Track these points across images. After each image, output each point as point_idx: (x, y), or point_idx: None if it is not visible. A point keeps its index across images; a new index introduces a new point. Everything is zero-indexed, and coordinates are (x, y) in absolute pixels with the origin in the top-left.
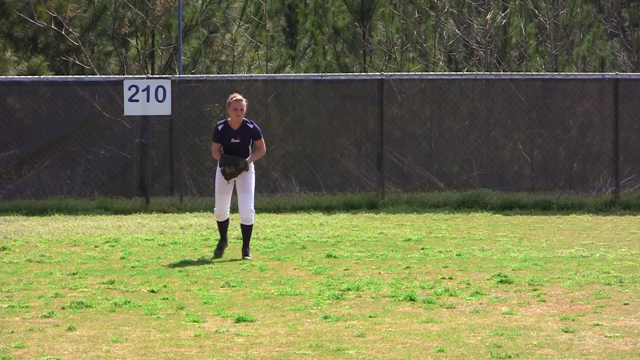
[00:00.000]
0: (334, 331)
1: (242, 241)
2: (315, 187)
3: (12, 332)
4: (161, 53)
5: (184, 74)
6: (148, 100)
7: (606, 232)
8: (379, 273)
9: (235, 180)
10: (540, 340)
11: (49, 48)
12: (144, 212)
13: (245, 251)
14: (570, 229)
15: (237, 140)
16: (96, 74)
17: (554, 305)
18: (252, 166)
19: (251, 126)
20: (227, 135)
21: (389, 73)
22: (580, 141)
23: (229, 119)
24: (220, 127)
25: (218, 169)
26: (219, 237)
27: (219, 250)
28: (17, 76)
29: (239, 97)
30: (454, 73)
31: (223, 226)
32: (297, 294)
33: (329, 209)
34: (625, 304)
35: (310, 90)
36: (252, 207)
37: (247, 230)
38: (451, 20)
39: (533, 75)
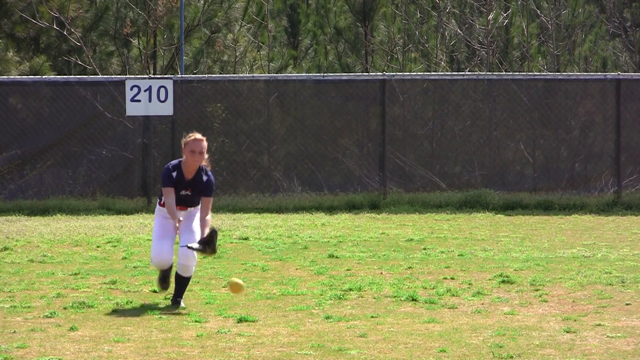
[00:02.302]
0: (335, 331)
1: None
2: (317, 187)
3: (14, 332)
4: (163, 53)
5: (186, 74)
6: (150, 101)
7: (608, 233)
8: (381, 273)
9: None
10: (542, 340)
11: (51, 48)
12: (145, 212)
13: (176, 300)
14: (572, 229)
15: (188, 192)
16: (98, 74)
17: (555, 306)
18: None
19: (205, 178)
20: (178, 184)
21: (391, 73)
22: (582, 141)
23: (182, 160)
24: (174, 174)
25: (158, 209)
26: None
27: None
28: (19, 76)
29: (199, 136)
30: (456, 73)
31: (166, 274)
32: (299, 294)
33: (331, 209)
34: (627, 304)
35: (312, 90)
36: (195, 255)
37: (184, 282)
38: (453, 21)
39: (535, 75)
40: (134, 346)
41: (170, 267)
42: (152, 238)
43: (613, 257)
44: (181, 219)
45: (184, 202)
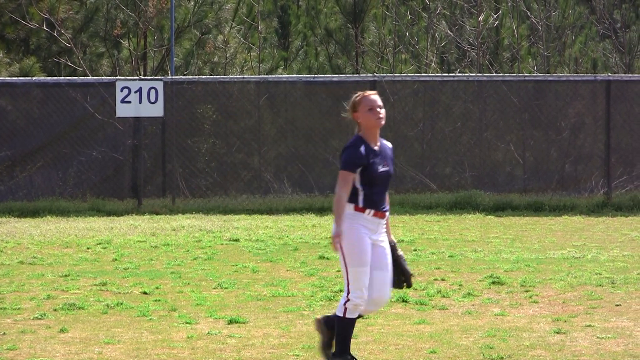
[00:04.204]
0: None
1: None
2: (308, 189)
3: (4, 334)
4: (153, 54)
5: (176, 75)
6: (140, 102)
7: (598, 234)
8: None
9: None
10: (532, 341)
11: (41, 49)
12: (136, 214)
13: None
14: (562, 230)
15: (386, 168)
16: (88, 76)
17: (546, 307)
18: None
19: (390, 144)
20: (371, 160)
21: (382, 74)
22: (572, 142)
23: (359, 132)
24: (362, 148)
25: (354, 216)
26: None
27: None
28: (9, 78)
29: (368, 91)
30: (447, 74)
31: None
32: (289, 296)
33: (321, 210)
34: (617, 305)
35: (303, 91)
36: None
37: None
38: (443, 22)
39: (525, 76)
40: (124, 348)
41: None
42: (349, 264)
43: (603, 258)
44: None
45: (382, 187)
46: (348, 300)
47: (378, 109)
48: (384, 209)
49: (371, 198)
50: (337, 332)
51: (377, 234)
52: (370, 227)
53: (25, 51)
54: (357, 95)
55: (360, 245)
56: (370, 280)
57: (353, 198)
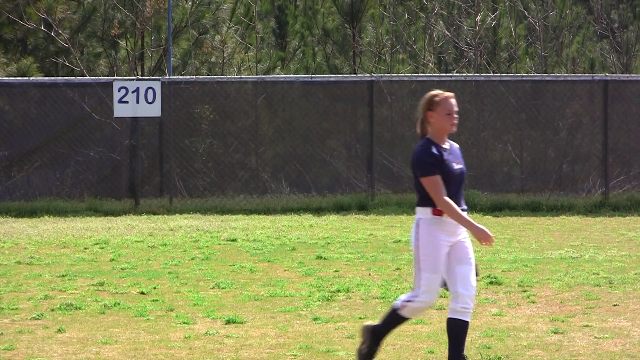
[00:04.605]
0: (323, 332)
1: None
2: (305, 189)
3: (2, 334)
4: (151, 54)
5: (174, 75)
6: (138, 102)
7: (595, 234)
8: (369, 274)
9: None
10: (530, 341)
11: (39, 49)
12: (133, 214)
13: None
14: (560, 230)
15: (461, 166)
16: (86, 76)
17: (543, 307)
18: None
19: (457, 145)
20: (446, 158)
21: (379, 74)
22: (569, 142)
23: (428, 134)
24: (434, 149)
25: (431, 221)
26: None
27: None
28: (7, 78)
29: (448, 93)
30: (444, 74)
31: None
32: (287, 296)
33: (318, 211)
34: (614, 305)
35: (300, 91)
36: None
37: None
38: (441, 22)
39: (523, 76)
40: (121, 348)
41: None
42: (423, 268)
43: (601, 258)
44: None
45: (458, 186)
46: (414, 301)
47: (455, 115)
48: (463, 209)
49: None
50: (385, 322)
51: (456, 236)
52: (449, 230)
53: (23, 51)
54: (436, 94)
55: (436, 254)
56: (454, 275)
57: (431, 202)
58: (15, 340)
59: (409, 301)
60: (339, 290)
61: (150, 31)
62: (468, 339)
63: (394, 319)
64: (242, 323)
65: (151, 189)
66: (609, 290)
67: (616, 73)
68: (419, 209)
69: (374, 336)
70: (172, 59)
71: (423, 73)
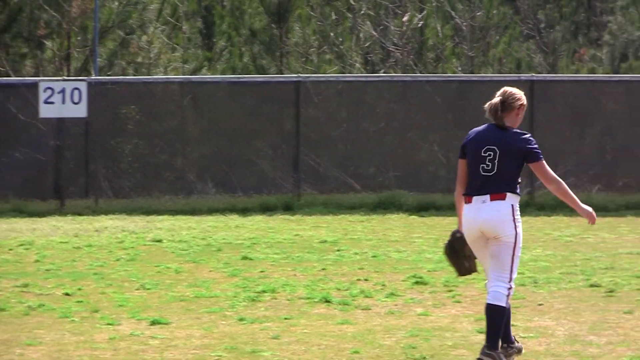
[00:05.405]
0: (249, 333)
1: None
2: (231, 189)
3: None
4: (77, 55)
5: (100, 75)
6: (64, 103)
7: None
8: (295, 275)
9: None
10: (455, 341)
11: None
12: (58, 215)
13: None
14: None
15: None
16: (11, 76)
17: (468, 306)
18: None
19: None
20: None
21: (306, 75)
22: None
23: (512, 126)
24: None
25: (521, 218)
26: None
27: None
28: None
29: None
30: (371, 75)
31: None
32: (212, 297)
33: (244, 211)
34: (539, 305)
35: (227, 92)
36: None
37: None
38: (368, 22)
39: (449, 77)
40: (46, 349)
41: None
42: (516, 255)
43: (526, 257)
44: None
45: None
46: (510, 291)
47: None
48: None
49: None
50: (495, 321)
51: None
52: None
53: None
54: (523, 98)
55: None
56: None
57: (517, 188)
58: None
59: (508, 295)
60: (264, 291)
61: (76, 32)
62: (393, 338)
63: (507, 314)
64: (167, 324)
65: (77, 190)
66: (534, 289)
67: (542, 73)
68: (510, 195)
69: (505, 342)
70: (98, 59)
71: (350, 73)
